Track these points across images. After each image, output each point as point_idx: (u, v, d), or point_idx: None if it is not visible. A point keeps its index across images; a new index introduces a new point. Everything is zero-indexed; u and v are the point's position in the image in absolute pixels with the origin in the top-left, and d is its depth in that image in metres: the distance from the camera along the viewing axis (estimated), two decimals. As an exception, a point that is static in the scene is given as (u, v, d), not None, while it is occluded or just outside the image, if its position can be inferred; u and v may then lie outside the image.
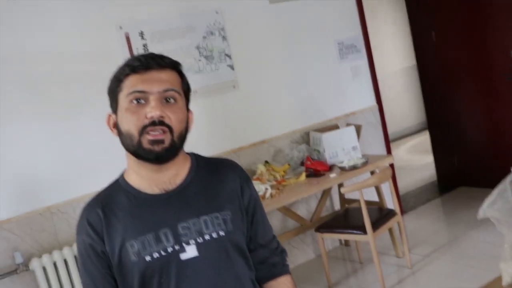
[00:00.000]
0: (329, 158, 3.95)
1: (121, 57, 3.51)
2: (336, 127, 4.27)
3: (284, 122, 4.22)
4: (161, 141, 1.29)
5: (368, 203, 3.73)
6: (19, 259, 3.12)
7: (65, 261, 3.21)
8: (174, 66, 1.38)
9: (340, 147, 3.95)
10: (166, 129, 1.30)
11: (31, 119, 3.26)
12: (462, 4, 4.69)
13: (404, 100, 8.33)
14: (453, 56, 4.92)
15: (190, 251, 1.34)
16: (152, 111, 1.28)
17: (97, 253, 1.36)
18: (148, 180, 1.38)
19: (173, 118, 1.31)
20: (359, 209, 3.52)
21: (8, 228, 3.18)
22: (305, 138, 4.28)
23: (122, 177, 1.44)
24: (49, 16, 3.32)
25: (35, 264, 3.12)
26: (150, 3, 3.67)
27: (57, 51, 3.34)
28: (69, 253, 3.20)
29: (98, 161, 3.41)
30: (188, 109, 1.41)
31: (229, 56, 3.99)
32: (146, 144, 1.29)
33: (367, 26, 4.67)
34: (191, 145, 4.19)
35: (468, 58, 4.81)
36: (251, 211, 1.47)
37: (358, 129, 4.16)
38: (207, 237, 1.35)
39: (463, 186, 5.11)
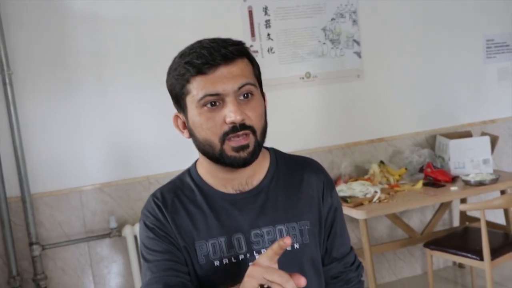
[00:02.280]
0: (454, 168, 3.53)
1: (241, 31, 3.39)
2: (468, 134, 3.81)
3: (408, 121, 3.84)
4: (246, 146, 1.17)
5: (492, 225, 3.29)
6: (113, 224, 3.17)
7: (157, 233, 3.17)
8: (242, 52, 1.20)
9: (469, 158, 3.51)
10: (248, 132, 1.17)
11: (142, 87, 3.24)
12: None
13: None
14: None
15: None
16: (232, 115, 1.14)
17: (170, 236, 1.25)
18: (223, 179, 1.27)
19: (253, 116, 1.18)
20: (480, 231, 3.08)
21: (107, 191, 3.23)
22: (430, 142, 3.86)
23: (194, 169, 1.33)
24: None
25: (127, 231, 3.15)
26: (278, -23, 3.46)
27: (176, 18, 3.27)
28: (162, 225, 3.15)
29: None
30: (263, 95, 1.26)
31: (358, 43, 3.66)
32: (230, 152, 1.18)
33: (525, 23, 4.08)
34: (304, 135, 3.80)
35: None
36: (329, 222, 1.35)
37: (494, 140, 3.65)
38: None
39: None
